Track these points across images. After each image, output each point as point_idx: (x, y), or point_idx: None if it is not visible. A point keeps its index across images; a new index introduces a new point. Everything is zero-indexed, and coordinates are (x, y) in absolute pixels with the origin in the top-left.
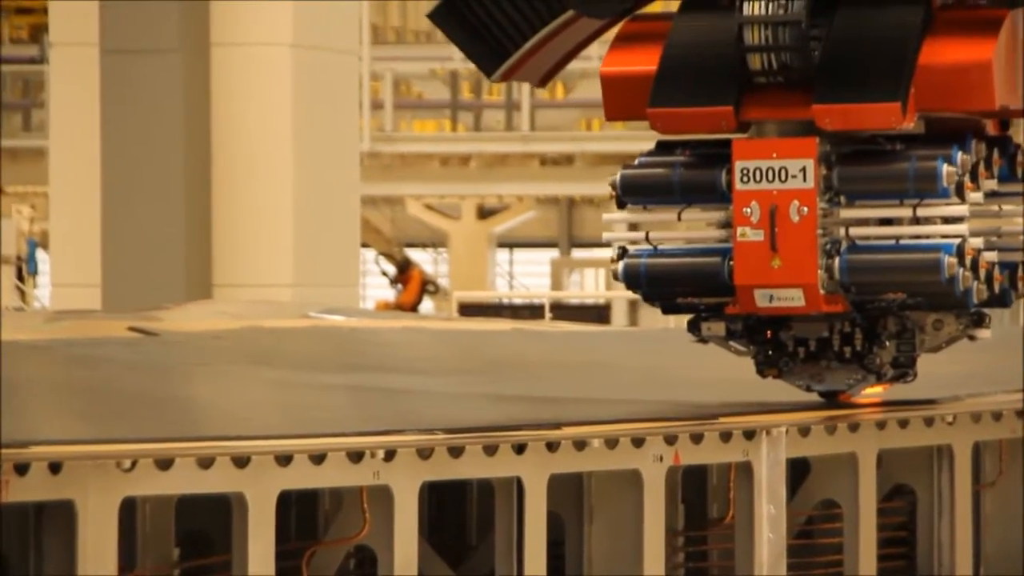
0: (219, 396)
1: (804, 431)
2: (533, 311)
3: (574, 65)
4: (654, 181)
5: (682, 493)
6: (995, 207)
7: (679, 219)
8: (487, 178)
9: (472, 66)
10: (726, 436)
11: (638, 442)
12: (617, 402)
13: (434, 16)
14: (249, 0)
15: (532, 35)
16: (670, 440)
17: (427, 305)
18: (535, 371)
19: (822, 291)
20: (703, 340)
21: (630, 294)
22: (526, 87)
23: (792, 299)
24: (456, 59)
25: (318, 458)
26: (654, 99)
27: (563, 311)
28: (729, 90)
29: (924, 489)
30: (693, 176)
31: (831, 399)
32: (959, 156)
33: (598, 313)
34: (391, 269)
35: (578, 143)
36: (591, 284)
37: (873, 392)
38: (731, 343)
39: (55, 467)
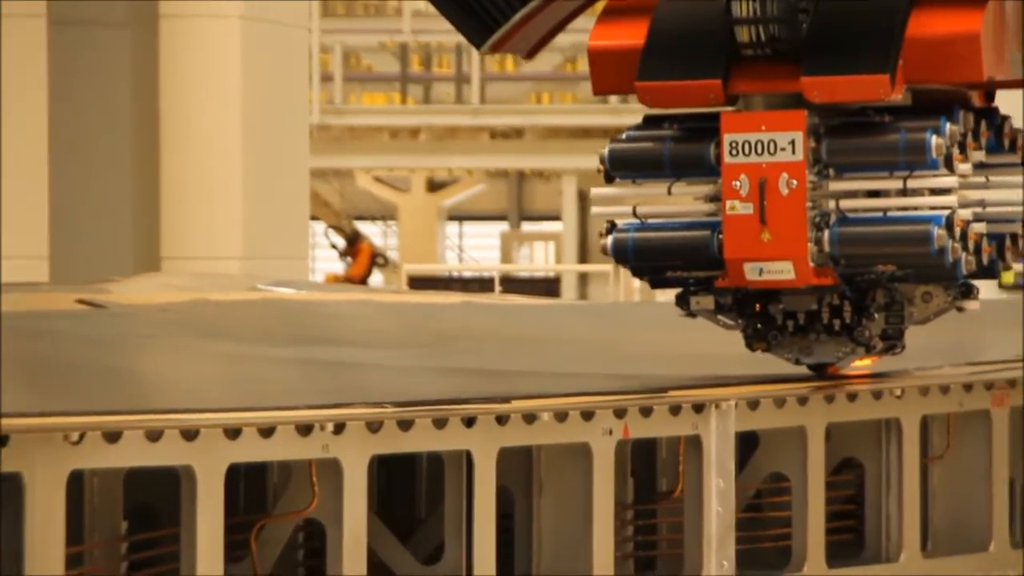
0: (167, 369)
1: (753, 405)
2: (483, 284)
3: None
4: (643, 155)
5: (631, 466)
6: (982, 179)
7: (669, 193)
8: (437, 151)
9: (422, 39)
10: (675, 409)
11: (588, 415)
12: (567, 375)
13: None
14: None
15: (521, 7)
16: (619, 413)
17: (376, 278)
18: (485, 344)
19: (812, 264)
20: (691, 314)
21: (580, 267)
22: (475, 59)
23: (782, 272)
24: (406, 32)
25: (267, 431)
26: (642, 73)
27: (513, 284)
28: (717, 63)
29: (872, 462)
30: (682, 150)
31: (820, 372)
32: (948, 127)
33: (548, 286)
34: (340, 242)
35: (528, 116)
36: (541, 257)
37: (862, 364)
38: (720, 317)
39: (2, 440)
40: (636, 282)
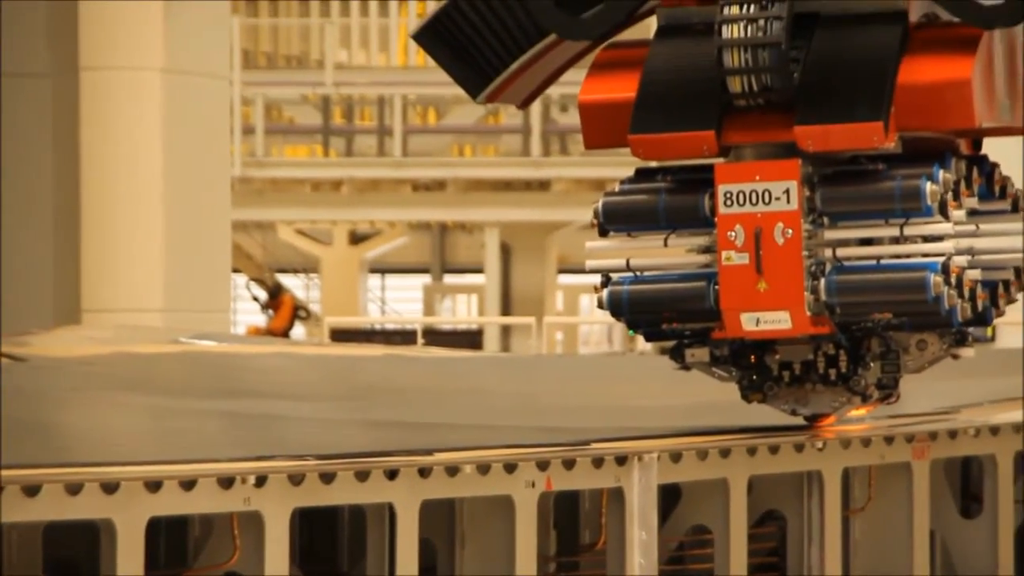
0: (88, 422)
1: (675, 457)
2: (405, 337)
3: (446, 91)
4: (637, 208)
5: (554, 519)
6: (974, 225)
7: (665, 245)
8: (359, 203)
9: (344, 91)
10: (598, 462)
11: (510, 468)
12: (489, 428)
13: (418, 37)
14: (119, 24)
15: (516, 58)
16: (542, 466)
17: (298, 331)
18: (407, 397)
19: (808, 313)
20: (686, 367)
21: (502, 320)
22: (397, 112)
23: (779, 322)
24: (328, 84)
25: (188, 484)
26: (635, 126)
27: (435, 337)
28: (710, 114)
29: (794, 515)
30: (676, 201)
31: (815, 422)
32: (941, 174)
33: (470, 339)
34: (262, 294)
35: (450, 169)
36: (463, 310)
37: (857, 414)
38: (715, 369)
39: None
40: (559, 335)
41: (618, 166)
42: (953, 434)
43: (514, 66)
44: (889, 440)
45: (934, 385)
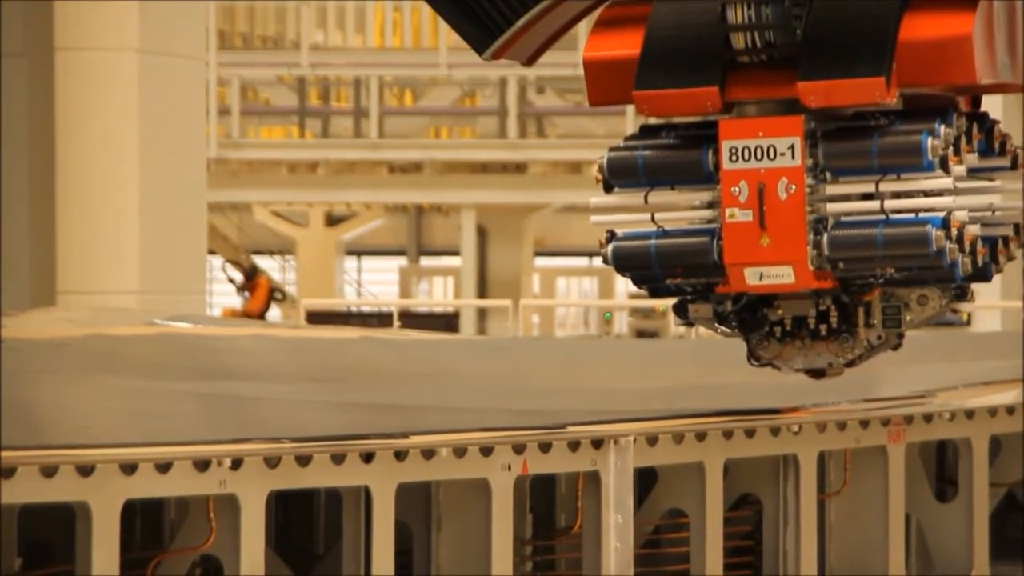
0: (63, 404)
1: (652, 440)
2: (381, 319)
3: (423, 72)
4: (642, 163)
5: (530, 502)
6: (974, 181)
7: (645, 201)
8: (335, 185)
9: (320, 72)
10: (574, 445)
11: (486, 451)
12: (465, 411)
13: None
14: (95, 4)
15: (522, 14)
16: (518, 449)
17: (274, 313)
18: (383, 379)
19: (811, 268)
20: (690, 323)
21: (478, 302)
22: (374, 93)
23: (782, 276)
24: (304, 65)
25: (164, 467)
26: (639, 82)
27: (411, 319)
28: (714, 70)
29: (770, 498)
30: (680, 157)
31: (818, 377)
32: (942, 129)
33: (446, 321)
34: (238, 276)
35: (427, 151)
36: (439, 292)
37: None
38: (717, 325)
39: None
40: (535, 318)
41: (596, 148)
42: (928, 418)
43: (520, 22)
44: (865, 424)
45: (909, 369)
